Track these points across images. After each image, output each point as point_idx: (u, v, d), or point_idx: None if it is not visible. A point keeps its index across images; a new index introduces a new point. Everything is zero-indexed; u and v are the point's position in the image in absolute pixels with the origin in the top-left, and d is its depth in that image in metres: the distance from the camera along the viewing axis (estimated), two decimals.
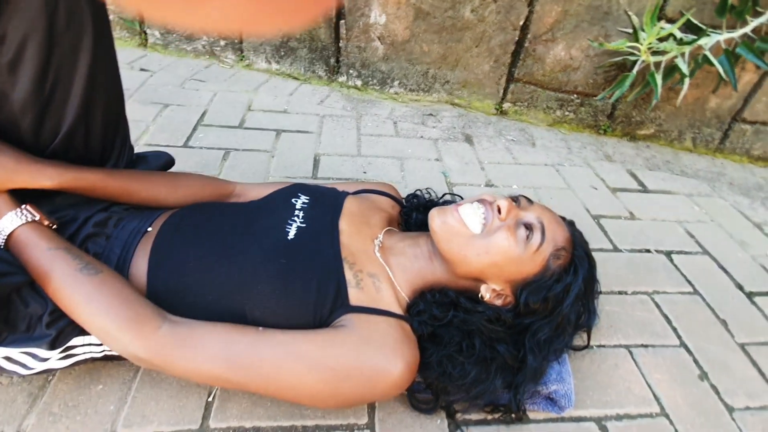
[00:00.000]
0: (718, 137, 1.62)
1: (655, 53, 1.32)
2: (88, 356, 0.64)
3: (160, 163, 0.83)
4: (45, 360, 0.58)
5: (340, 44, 1.62)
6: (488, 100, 1.67)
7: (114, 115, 0.70)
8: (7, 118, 0.59)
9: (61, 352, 0.59)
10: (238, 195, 0.86)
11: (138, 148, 1.02)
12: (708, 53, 1.31)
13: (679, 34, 1.30)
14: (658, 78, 1.32)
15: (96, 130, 0.66)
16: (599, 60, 1.49)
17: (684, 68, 1.28)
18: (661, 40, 1.28)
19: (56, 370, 0.65)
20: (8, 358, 0.57)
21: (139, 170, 0.76)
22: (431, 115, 1.62)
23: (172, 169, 0.88)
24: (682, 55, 1.31)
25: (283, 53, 1.70)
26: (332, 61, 1.67)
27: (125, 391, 0.68)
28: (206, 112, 1.42)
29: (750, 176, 1.57)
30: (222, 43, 1.74)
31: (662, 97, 1.47)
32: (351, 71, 1.68)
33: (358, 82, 1.69)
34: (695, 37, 1.30)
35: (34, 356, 0.57)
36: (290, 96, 1.60)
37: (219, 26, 0.15)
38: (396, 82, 1.67)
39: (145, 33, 1.77)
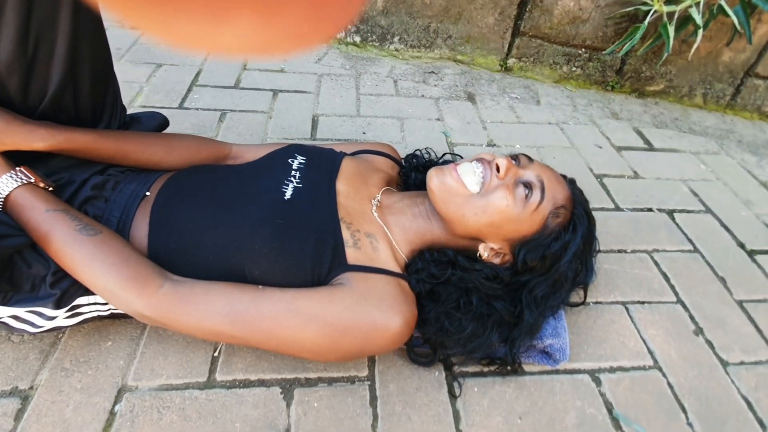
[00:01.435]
0: (729, 93, 1.57)
1: (668, 2, 1.25)
2: (95, 314, 0.65)
3: (155, 124, 0.82)
4: (52, 318, 0.60)
5: None
6: (492, 56, 1.61)
7: (102, 72, 0.68)
8: None
9: (68, 311, 0.60)
10: (234, 157, 0.85)
11: (133, 110, 1.01)
12: (723, 3, 1.24)
13: None
14: (671, 29, 1.25)
15: (84, 88, 0.65)
16: (610, 11, 1.42)
17: (698, 19, 1.22)
18: None
19: (65, 327, 0.67)
20: (15, 317, 0.59)
21: (134, 131, 0.75)
22: (433, 72, 1.57)
23: (168, 131, 0.87)
24: (697, 5, 1.24)
25: None
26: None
27: (133, 347, 0.70)
28: (201, 72, 1.38)
29: (760, 134, 1.53)
30: None
31: (674, 50, 1.41)
32: (349, 26, 1.61)
33: (357, 39, 1.63)
34: None
35: (41, 315, 0.59)
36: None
37: (233, 51, 0.15)
38: (396, 38, 1.60)
39: None
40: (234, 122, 1.20)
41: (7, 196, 0.57)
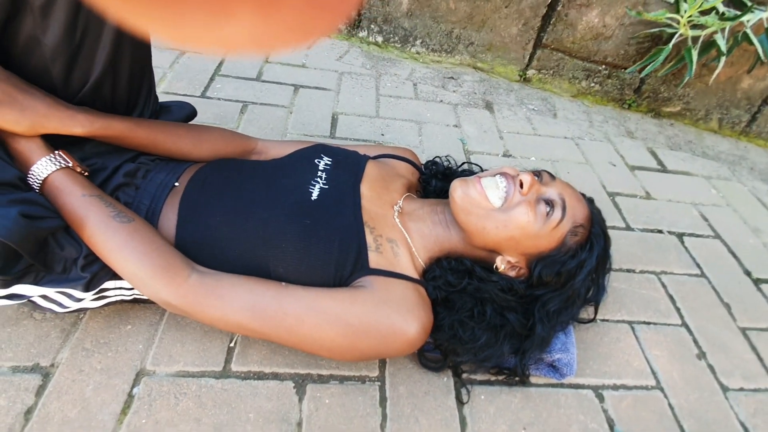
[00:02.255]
0: (745, 119, 1.58)
1: (694, 27, 1.26)
2: (118, 298, 0.67)
3: (184, 114, 0.83)
4: (80, 300, 0.61)
5: None
6: (512, 66, 1.62)
7: (141, 64, 0.69)
8: (38, 63, 0.58)
9: (95, 293, 0.62)
10: (259, 152, 0.86)
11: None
12: (749, 30, 1.25)
13: (721, 8, 1.23)
14: (695, 54, 1.26)
15: (123, 79, 0.66)
16: (634, 30, 1.42)
17: (722, 45, 1.23)
18: (702, 13, 1.22)
19: (88, 309, 0.68)
20: (45, 297, 0.60)
21: (165, 121, 0.76)
22: (452, 78, 1.58)
23: (194, 121, 0.88)
24: (722, 30, 1.25)
25: None
26: (353, 13, 1.61)
27: (152, 333, 0.72)
28: (223, 62, 1.39)
29: None
30: None
31: (694, 73, 1.42)
32: (372, 26, 1.62)
33: (379, 39, 1.64)
34: (738, 12, 1.23)
35: (69, 296, 0.61)
36: (308, 50, 1.56)
37: (243, 45, 0.15)
38: (418, 41, 1.61)
39: None
40: (255, 115, 1.21)
41: (45, 179, 0.58)
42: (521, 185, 0.68)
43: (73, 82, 0.62)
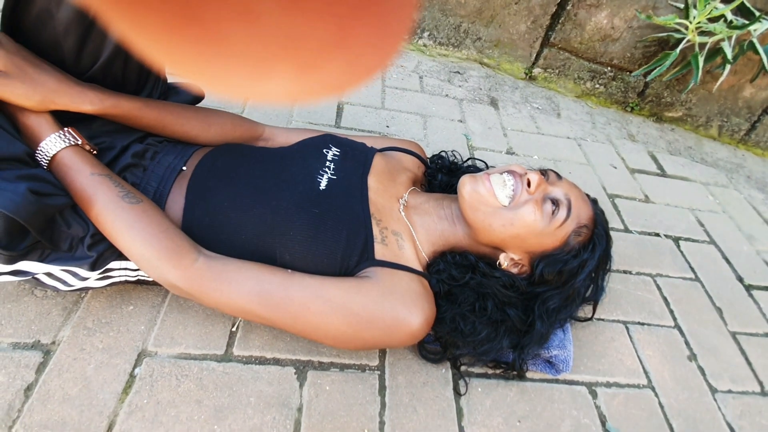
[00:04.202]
0: (745, 128, 1.60)
1: (701, 33, 1.27)
2: (122, 279, 0.67)
3: (192, 95, 0.82)
4: (84, 279, 0.61)
5: None
6: (519, 63, 1.62)
7: None
8: (50, 38, 0.58)
9: (100, 273, 0.62)
10: (266, 138, 0.86)
11: None
12: (755, 40, 1.26)
13: (729, 16, 1.24)
14: (701, 60, 1.27)
15: (134, 58, 0.65)
16: (642, 33, 1.43)
17: (728, 53, 1.24)
18: (711, 20, 1.23)
19: (91, 288, 0.68)
20: (49, 274, 0.60)
21: (174, 103, 0.75)
22: (458, 72, 1.57)
23: (201, 104, 0.87)
24: (729, 38, 1.26)
25: None
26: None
27: (154, 314, 0.72)
28: None
29: None
30: None
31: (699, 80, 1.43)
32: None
33: None
34: (746, 21, 1.24)
35: (74, 275, 0.60)
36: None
37: (283, 99, 0.15)
38: (426, 33, 1.60)
39: None
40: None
41: (54, 156, 0.58)
42: (528, 184, 0.69)
43: (84, 59, 0.61)
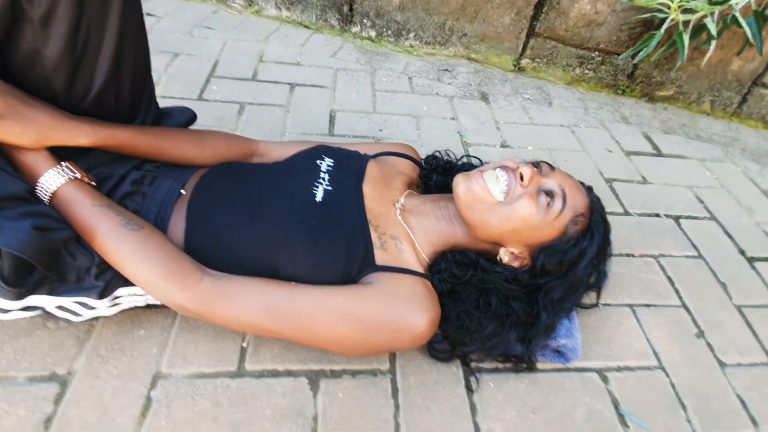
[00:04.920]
0: (736, 101, 1.60)
1: (684, 11, 1.27)
2: (132, 305, 0.68)
3: (185, 118, 0.83)
4: (94, 308, 0.63)
5: None
6: (506, 56, 1.62)
7: (142, 72, 0.69)
8: (40, 76, 0.59)
9: (110, 301, 0.63)
10: (261, 154, 0.87)
11: None
12: (737, 14, 1.26)
13: None
14: (686, 38, 1.28)
15: (125, 87, 0.66)
16: (626, 16, 1.43)
17: (712, 29, 1.24)
18: None
19: (102, 317, 0.69)
20: (61, 307, 0.61)
21: (167, 128, 0.77)
22: (447, 70, 1.58)
23: (194, 125, 0.88)
24: (712, 14, 1.26)
25: None
26: (345, 8, 1.60)
27: (165, 336, 0.73)
28: (218, 63, 1.39)
29: (763, 142, 1.56)
30: None
31: (686, 57, 1.43)
32: (365, 21, 1.61)
33: (372, 33, 1.64)
34: None
35: (84, 305, 0.62)
36: (302, 47, 1.55)
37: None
38: (411, 34, 1.61)
39: None
40: (253, 116, 1.21)
41: (55, 191, 0.59)
42: (521, 178, 0.69)
43: (76, 93, 0.62)
